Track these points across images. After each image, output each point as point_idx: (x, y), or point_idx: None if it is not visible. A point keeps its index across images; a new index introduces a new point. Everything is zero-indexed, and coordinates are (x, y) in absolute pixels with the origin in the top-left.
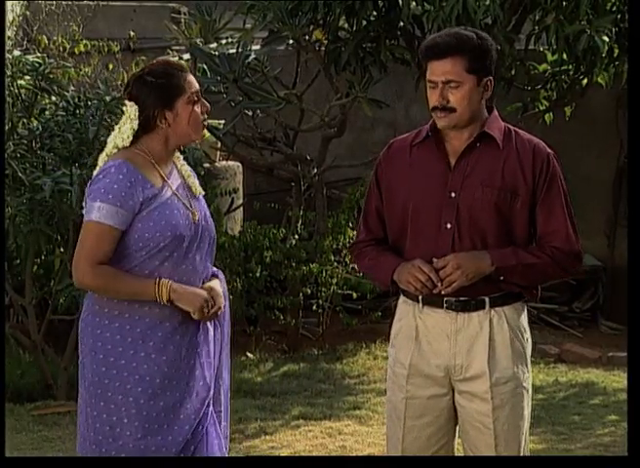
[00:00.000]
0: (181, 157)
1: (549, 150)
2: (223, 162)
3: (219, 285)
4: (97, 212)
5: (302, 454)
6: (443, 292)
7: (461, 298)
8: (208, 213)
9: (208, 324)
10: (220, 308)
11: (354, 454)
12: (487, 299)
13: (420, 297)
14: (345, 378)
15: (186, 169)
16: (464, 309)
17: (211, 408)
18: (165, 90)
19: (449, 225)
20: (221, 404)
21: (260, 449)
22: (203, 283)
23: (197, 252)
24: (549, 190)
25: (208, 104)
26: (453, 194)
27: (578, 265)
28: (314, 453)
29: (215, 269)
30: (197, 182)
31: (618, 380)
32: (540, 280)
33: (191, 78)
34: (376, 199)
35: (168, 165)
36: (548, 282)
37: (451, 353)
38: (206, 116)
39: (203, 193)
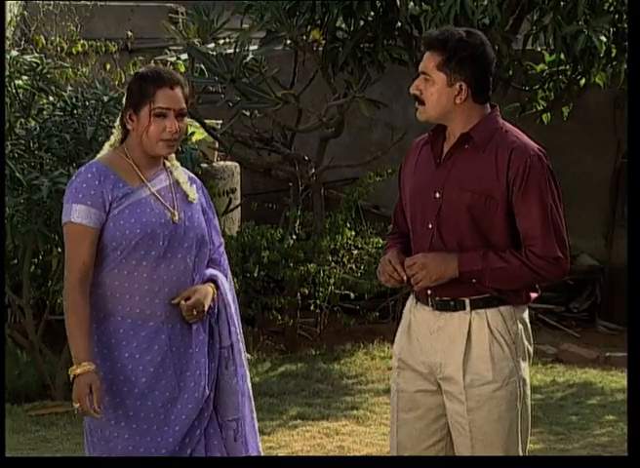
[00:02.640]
0: (178, 164)
1: (533, 152)
2: (221, 162)
3: (205, 289)
4: (71, 213)
5: (300, 454)
6: (415, 289)
7: (444, 298)
8: (199, 216)
9: (199, 324)
10: (201, 312)
11: (352, 454)
12: (467, 301)
13: (414, 294)
14: (343, 378)
15: (183, 175)
16: (445, 308)
17: (210, 411)
18: (133, 93)
19: (430, 225)
20: (238, 412)
21: None
22: (195, 284)
23: (181, 252)
24: (526, 194)
25: (178, 125)
26: (437, 194)
27: (558, 271)
28: (312, 453)
29: (214, 273)
30: (194, 189)
31: (615, 380)
32: (515, 284)
33: (169, 93)
34: (400, 194)
35: (152, 167)
36: (530, 285)
37: (432, 351)
38: (174, 136)
39: (196, 200)
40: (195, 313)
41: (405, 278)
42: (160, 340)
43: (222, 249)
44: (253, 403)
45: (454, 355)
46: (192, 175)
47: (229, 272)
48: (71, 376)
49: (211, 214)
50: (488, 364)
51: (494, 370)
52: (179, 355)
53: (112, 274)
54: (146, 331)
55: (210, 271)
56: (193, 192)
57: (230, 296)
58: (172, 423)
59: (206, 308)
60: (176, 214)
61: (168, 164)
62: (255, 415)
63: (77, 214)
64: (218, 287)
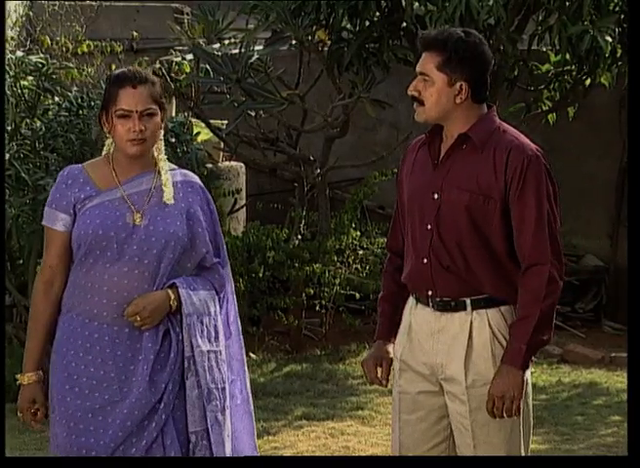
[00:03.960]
0: (165, 166)
1: (531, 152)
2: (226, 162)
3: (156, 296)
4: (44, 215)
5: (305, 455)
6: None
7: (444, 298)
8: (171, 221)
9: (152, 331)
10: (146, 318)
11: (357, 455)
12: (468, 301)
13: (414, 296)
14: (348, 379)
15: (167, 177)
16: (446, 309)
17: (161, 420)
18: (104, 95)
19: (429, 226)
20: (197, 425)
21: (263, 450)
22: (158, 289)
23: (138, 255)
24: (522, 194)
25: (144, 125)
26: (435, 195)
27: (558, 273)
28: (317, 454)
29: (176, 282)
30: (170, 191)
31: (621, 381)
32: (552, 315)
33: (131, 93)
34: (398, 198)
35: (134, 169)
36: (558, 300)
37: (433, 351)
38: (138, 136)
39: (171, 202)
40: (139, 319)
41: (383, 383)
42: (102, 342)
43: (212, 257)
44: (226, 417)
45: (455, 356)
46: (192, 178)
47: (228, 281)
48: (20, 383)
49: (203, 220)
50: (489, 364)
51: (495, 370)
52: (124, 359)
53: (75, 272)
54: (90, 331)
55: (180, 278)
56: (169, 195)
57: (204, 305)
58: (109, 426)
59: (152, 314)
60: (138, 217)
61: (161, 165)
62: (225, 431)
63: (47, 216)
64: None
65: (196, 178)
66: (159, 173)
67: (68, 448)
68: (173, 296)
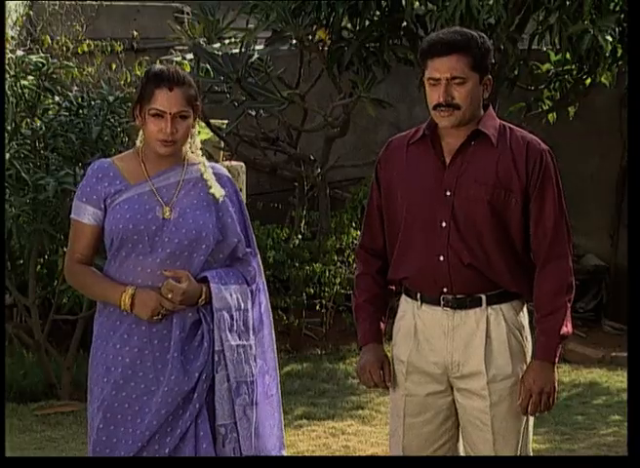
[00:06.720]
0: (207, 164)
1: (544, 147)
2: (227, 162)
3: (193, 289)
4: (73, 208)
5: (306, 454)
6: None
7: (458, 296)
8: (201, 213)
9: (179, 320)
10: (176, 297)
11: (357, 454)
12: (483, 297)
13: (419, 295)
14: (349, 378)
15: (195, 173)
16: (461, 307)
17: (194, 411)
18: (139, 91)
19: (444, 224)
20: (226, 419)
21: None
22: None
23: (170, 247)
24: (542, 188)
25: (175, 127)
26: (448, 192)
27: (568, 268)
28: (317, 453)
29: (212, 273)
30: (220, 191)
31: (621, 380)
32: (569, 302)
33: (167, 95)
34: (377, 198)
35: (164, 162)
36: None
37: (447, 350)
38: (169, 137)
39: (222, 194)
40: (170, 297)
41: (388, 385)
42: (139, 331)
43: (244, 246)
44: (254, 411)
45: (474, 352)
46: (219, 170)
47: (259, 272)
48: (127, 306)
49: (233, 211)
50: (507, 358)
51: (512, 364)
52: (160, 348)
53: (110, 266)
54: (128, 322)
55: (213, 272)
56: (219, 193)
57: (235, 300)
58: (146, 416)
59: (181, 303)
60: (167, 210)
61: (198, 160)
62: (253, 425)
63: (75, 210)
64: (210, 289)
65: (224, 170)
66: (187, 166)
67: (105, 440)
68: (203, 296)
